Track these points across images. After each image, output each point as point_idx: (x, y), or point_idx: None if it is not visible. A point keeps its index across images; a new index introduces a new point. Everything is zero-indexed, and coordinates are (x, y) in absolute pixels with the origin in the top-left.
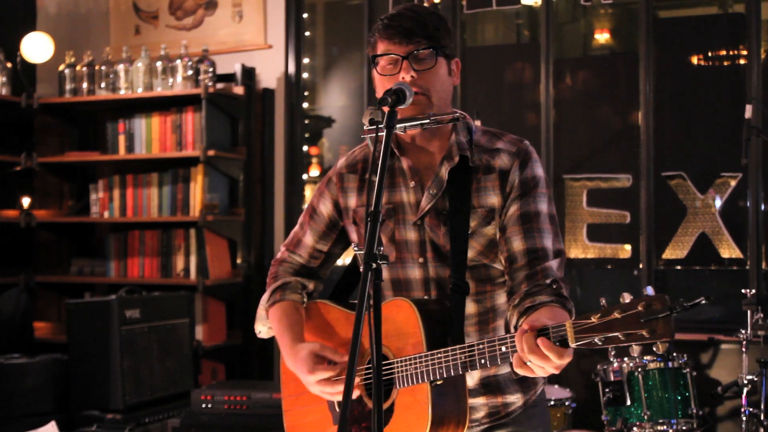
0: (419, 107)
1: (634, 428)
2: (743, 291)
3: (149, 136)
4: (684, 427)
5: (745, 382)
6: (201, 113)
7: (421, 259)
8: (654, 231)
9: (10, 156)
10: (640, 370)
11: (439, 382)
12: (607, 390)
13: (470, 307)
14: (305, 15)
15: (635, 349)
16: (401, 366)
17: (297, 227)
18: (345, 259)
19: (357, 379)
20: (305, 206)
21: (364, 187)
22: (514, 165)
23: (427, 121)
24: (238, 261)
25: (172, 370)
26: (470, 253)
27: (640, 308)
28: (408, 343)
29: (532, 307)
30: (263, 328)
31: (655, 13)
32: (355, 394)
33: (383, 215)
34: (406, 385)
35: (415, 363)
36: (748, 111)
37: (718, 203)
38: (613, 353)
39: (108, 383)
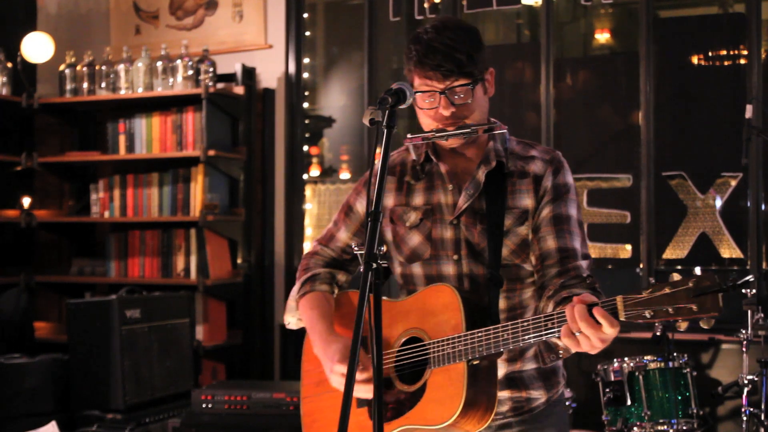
0: (453, 127)
1: (635, 428)
2: (743, 291)
3: (149, 136)
4: (684, 427)
5: (746, 382)
6: (201, 113)
7: (455, 257)
8: (654, 231)
9: (10, 156)
10: (640, 369)
11: (476, 362)
12: (607, 390)
13: (501, 303)
14: (306, 15)
15: (682, 325)
16: (437, 346)
17: (331, 225)
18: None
19: (386, 363)
20: (305, 206)
21: (403, 188)
22: (547, 171)
23: (469, 131)
24: (239, 261)
25: (173, 370)
26: (504, 252)
27: (690, 285)
28: (447, 324)
29: (568, 298)
30: (292, 319)
31: (655, 13)
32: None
33: (421, 215)
34: (441, 365)
35: (453, 343)
36: (749, 111)
37: (719, 203)
38: (660, 329)
39: (108, 383)
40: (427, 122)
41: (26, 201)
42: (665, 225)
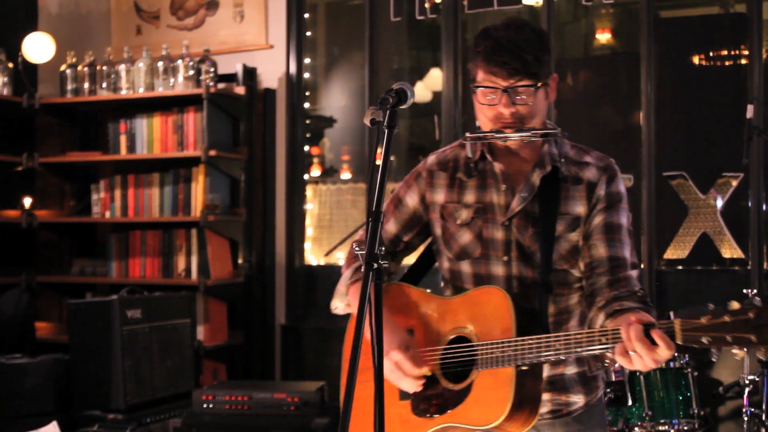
0: (512, 130)
1: (636, 428)
2: (744, 291)
3: (150, 136)
4: (685, 428)
5: (747, 382)
6: (202, 113)
7: (505, 258)
8: (655, 231)
9: (11, 156)
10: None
11: (524, 368)
12: (608, 390)
13: (549, 307)
14: (306, 15)
15: (739, 354)
16: (486, 349)
17: (383, 207)
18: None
19: (432, 359)
20: (306, 207)
21: (455, 185)
22: (601, 179)
23: (529, 134)
24: (240, 261)
25: (174, 370)
26: (554, 257)
27: (750, 315)
28: (496, 328)
29: (620, 311)
30: (340, 304)
31: (656, 13)
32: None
33: (473, 213)
34: (489, 367)
35: (503, 347)
36: (750, 111)
37: (720, 203)
38: (715, 356)
39: (109, 383)
40: (483, 119)
41: (27, 201)
42: (666, 225)
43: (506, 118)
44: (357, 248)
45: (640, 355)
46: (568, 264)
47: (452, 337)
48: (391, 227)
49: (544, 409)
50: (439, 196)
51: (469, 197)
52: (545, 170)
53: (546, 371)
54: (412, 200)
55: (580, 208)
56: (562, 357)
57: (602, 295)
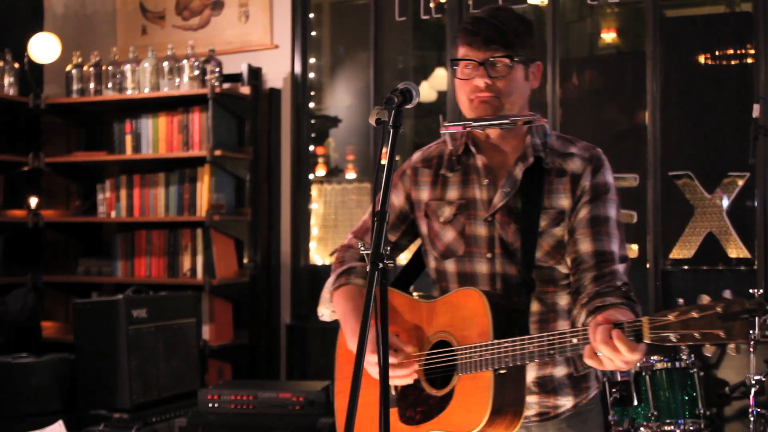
0: (489, 108)
1: (641, 428)
2: (751, 291)
3: (156, 136)
4: (691, 428)
5: (753, 382)
6: (207, 113)
7: (489, 255)
8: (661, 231)
9: (17, 156)
10: (647, 369)
11: (502, 372)
12: (614, 390)
13: (533, 306)
14: (311, 15)
15: (709, 349)
16: (465, 353)
17: (366, 217)
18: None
19: (416, 365)
20: (311, 206)
21: (438, 181)
22: (586, 170)
23: (507, 121)
24: (245, 261)
25: (179, 369)
26: (538, 254)
27: (719, 309)
28: (474, 331)
29: (602, 307)
30: (326, 311)
31: (662, 12)
32: (410, 380)
33: (455, 210)
34: (468, 372)
35: (480, 351)
36: (756, 110)
37: (726, 203)
38: (686, 352)
39: (115, 383)
40: (463, 100)
41: (33, 201)
42: (672, 225)
43: (482, 89)
44: (362, 248)
45: (609, 358)
46: (554, 260)
47: (435, 341)
48: None
49: (530, 411)
50: (424, 194)
51: (452, 194)
52: (527, 162)
53: (534, 372)
54: (398, 199)
55: (564, 202)
56: (537, 359)
57: (586, 292)
